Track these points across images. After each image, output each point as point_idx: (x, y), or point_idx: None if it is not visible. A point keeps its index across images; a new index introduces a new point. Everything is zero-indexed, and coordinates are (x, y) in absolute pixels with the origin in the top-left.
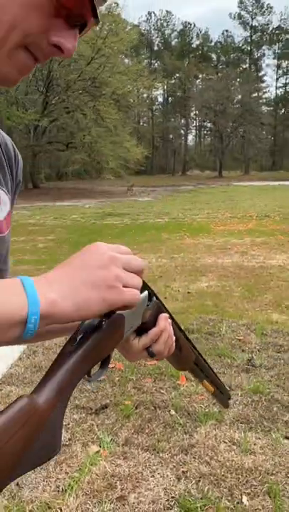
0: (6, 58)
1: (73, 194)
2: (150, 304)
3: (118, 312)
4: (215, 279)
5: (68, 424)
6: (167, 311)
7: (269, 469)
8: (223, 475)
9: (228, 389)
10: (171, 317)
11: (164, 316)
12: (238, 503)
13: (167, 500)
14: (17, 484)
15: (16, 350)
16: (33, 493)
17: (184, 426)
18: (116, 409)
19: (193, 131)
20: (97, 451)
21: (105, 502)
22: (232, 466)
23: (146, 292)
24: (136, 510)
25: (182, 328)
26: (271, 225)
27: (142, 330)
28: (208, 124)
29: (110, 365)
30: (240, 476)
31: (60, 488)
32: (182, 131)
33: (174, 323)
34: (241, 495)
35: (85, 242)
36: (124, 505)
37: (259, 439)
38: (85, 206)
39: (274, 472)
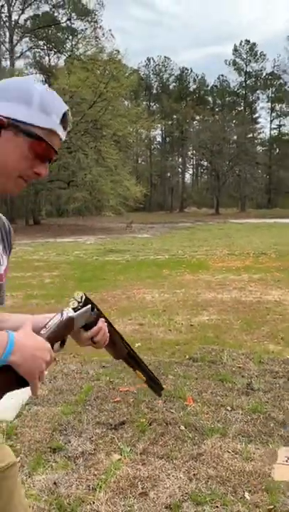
0: (11, 182)
1: (73, 230)
2: (93, 313)
3: (70, 315)
4: (215, 313)
5: (92, 437)
6: (106, 319)
7: (266, 472)
8: (227, 477)
9: (230, 409)
10: (109, 323)
11: (102, 319)
12: (241, 497)
13: (182, 495)
14: (54, 483)
15: None
16: (68, 490)
17: (192, 439)
18: (132, 425)
19: (191, 169)
20: (119, 459)
21: (130, 497)
22: (235, 470)
23: (89, 306)
24: (156, 502)
25: (125, 336)
26: (267, 262)
27: (88, 327)
28: (205, 163)
29: (124, 389)
30: (242, 478)
31: (91, 486)
32: (180, 170)
33: (112, 328)
34: (244, 491)
35: (89, 278)
36: (145, 499)
37: (258, 449)
38: (86, 242)
39: (270, 474)
